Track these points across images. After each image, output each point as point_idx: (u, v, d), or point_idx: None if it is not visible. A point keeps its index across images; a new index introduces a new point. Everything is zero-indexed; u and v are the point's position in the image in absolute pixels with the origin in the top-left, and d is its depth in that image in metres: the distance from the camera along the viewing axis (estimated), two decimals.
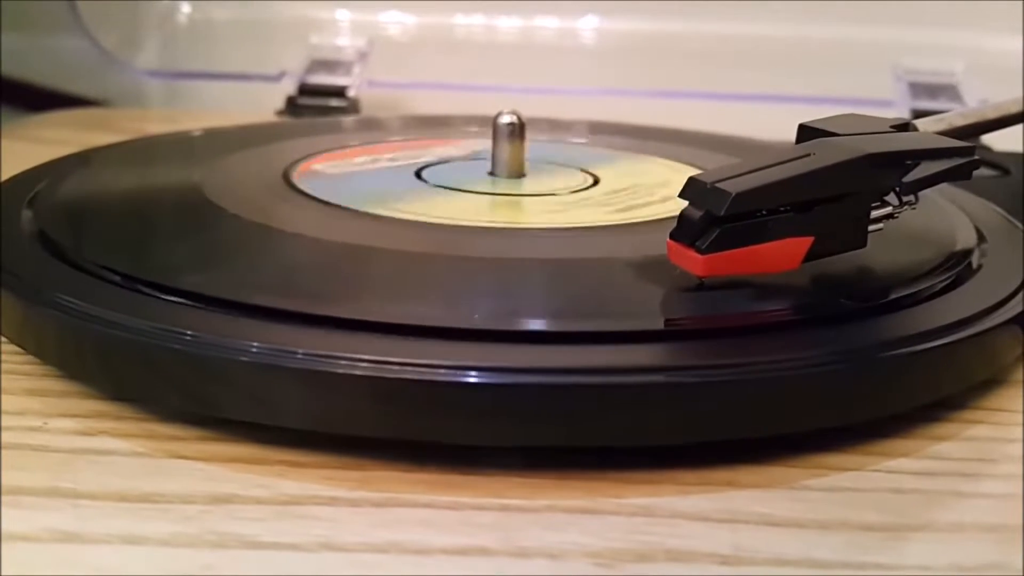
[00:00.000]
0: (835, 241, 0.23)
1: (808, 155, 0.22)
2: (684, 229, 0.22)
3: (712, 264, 0.21)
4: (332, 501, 0.18)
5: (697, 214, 0.21)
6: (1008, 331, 0.22)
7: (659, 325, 0.21)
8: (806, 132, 0.24)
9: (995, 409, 0.22)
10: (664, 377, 0.19)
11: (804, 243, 0.22)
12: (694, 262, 0.21)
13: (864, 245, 0.23)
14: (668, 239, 0.22)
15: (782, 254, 0.22)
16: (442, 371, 0.19)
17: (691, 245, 0.21)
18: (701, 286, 0.22)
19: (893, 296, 0.22)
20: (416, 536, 0.17)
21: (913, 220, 0.24)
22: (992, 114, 0.27)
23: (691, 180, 0.22)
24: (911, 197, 0.23)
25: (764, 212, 0.21)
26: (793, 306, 0.22)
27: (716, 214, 0.21)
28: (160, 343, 0.20)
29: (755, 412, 0.19)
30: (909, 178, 0.23)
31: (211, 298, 0.21)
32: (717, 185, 0.21)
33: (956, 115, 0.26)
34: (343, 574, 0.16)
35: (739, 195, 0.21)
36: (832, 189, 0.22)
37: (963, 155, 0.23)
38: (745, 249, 0.21)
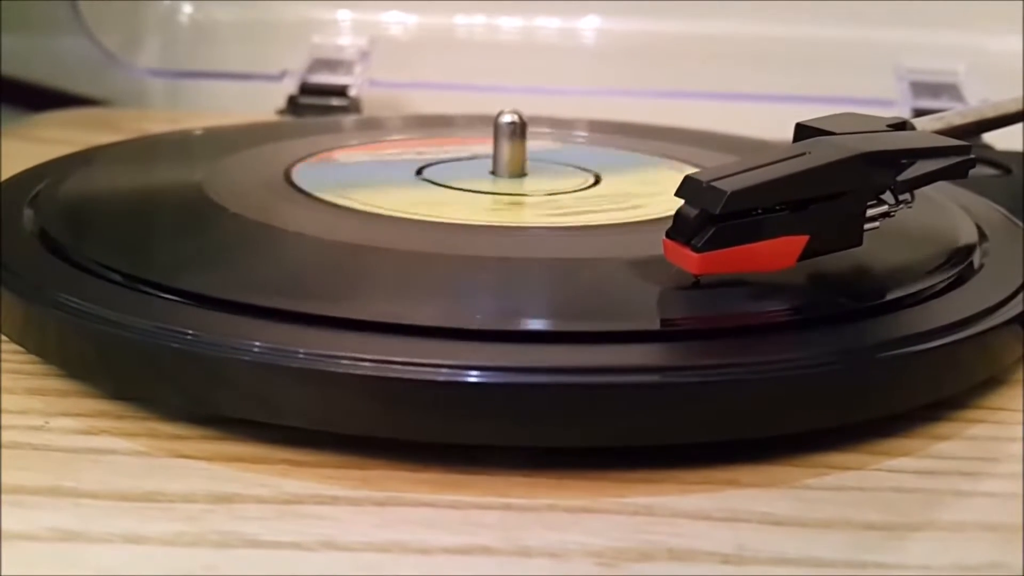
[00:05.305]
0: (831, 240, 0.23)
1: (804, 154, 0.22)
2: (680, 227, 0.22)
3: (708, 262, 0.21)
4: (334, 500, 0.18)
5: (693, 212, 0.21)
6: (1009, 331, 0.22)
7: (656, 325, 0.21)
8: (803, 131, 0.24)
9: (996, 408, 0.22)
10: (662, 377, 0.19)
11: (799, 242, 0.22)
12: (690, 260, 0.21)
13: (860, 244, 0.23)
14: (664, 237, 0.22)
15: (777, 252, 0.22)
16: (443, 371, 0.19)
17: (687, 243, 0.21)
18: (697, 284, 0.22)
19: (894, 295, 0.22)
20: (418, 535, 0.17)
21: (914, 219, 0.24)
22: (991, 113, 0.27)
23: (687, 178, 0.22)
24: (907, 196, 0.23)
25: (760, 211, 0.21)
26: (793, 305, 0.22)
27: (712, 212, 0.21)
28: (161, 343, 0.20)
29: (755, 413, 0.19)
30: (904, 176, 0.23)
31: (212, 297, 0.21)
32: (713, 183, 0.21)
33: (955, 114, 0.26)
34: (345, 574, 0.16)
35: (735, 193, 0.21)
36: (827, 188, 0.22)
37: (958, 154, 0.23)
38: (741, 247, 0.21)
